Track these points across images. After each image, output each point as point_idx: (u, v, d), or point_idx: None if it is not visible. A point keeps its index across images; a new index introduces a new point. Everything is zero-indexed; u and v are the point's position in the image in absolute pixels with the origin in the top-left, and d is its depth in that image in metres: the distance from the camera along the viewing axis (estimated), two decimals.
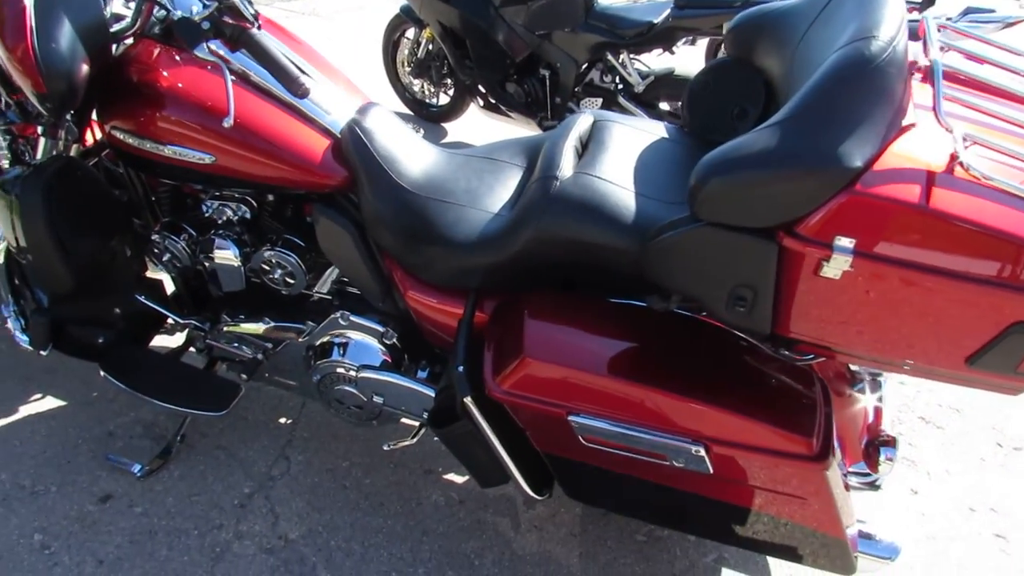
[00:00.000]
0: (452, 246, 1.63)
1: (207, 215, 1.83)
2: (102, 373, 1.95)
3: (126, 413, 2.17)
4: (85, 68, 1.51)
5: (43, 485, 1.94)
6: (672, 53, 3.87)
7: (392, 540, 1.92)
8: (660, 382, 1.42)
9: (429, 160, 1.78)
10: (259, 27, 1.59)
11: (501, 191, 1.74)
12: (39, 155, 1.85)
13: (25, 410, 2.14)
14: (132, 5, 1.67)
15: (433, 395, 1.80)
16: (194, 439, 2.12)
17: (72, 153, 1.88)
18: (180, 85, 1.63)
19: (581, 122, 1.72)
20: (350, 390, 1.88)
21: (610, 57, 3.82)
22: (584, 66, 3.90)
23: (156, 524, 1.88)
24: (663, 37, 3.65)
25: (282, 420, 2.23)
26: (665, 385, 1.42)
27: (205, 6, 1.56)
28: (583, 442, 1.50)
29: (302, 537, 1.89)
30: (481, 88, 4.10)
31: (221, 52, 1.57)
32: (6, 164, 1.82)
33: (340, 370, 1.87)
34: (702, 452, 1.43)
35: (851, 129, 1.18)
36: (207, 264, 1.87)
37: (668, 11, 3.64)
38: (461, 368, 1.55)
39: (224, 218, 1.82)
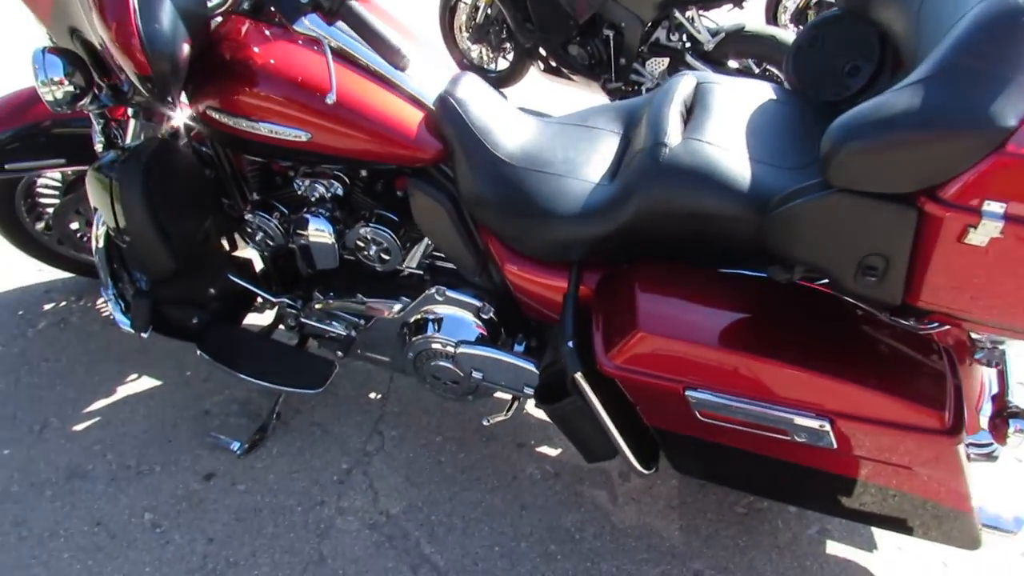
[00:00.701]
0: (554, 218, 1.58)
1: (299, 193, 1.82)
2: (199, 353, 1.96)
3: (220, 392, 2.19)
4: (186, 48, 1.49)
5: (147, 465, 1.97)
6: (741, 8, 3.74)
7: (492, 514, 1.91)
8: (784, 355, 1.37)
9: (523, 129, 1.74)
10: None
11: (599, 160, 1.69)
12: (129, 138, 1.86)
13: (123, 391, 2.17)
14: None
15: (532, 369, 1.77)
16: (288, 416, 2.13)
17: (161, 134, 1.88)
18: (275, 62, 1.60)
19: (683, 85, 1.65)
20: (447, 366, 1.87)
21: (678, 14, 3.70)
22: (649, 25, 3.78)
23: (260, 501, 1.90)
24: None
25: (372, 395, 2.23)
26: (789, 358, 1.37)
27: None
28: (699, 417, 1.46)
29: (403, 512, 1.90)
30: (542, 51, 4.02)
31: (317, 26, 1.53)
32: (99, 148, 1.82)
33: (437, 346, 1.85)
34: (827, 427, 1.38)
35: (1003, 85, 1.10)
36: (300, 242, 1.85)
37: None
38: (571, 344, 1.51)
39: (316, 195, 1.80)
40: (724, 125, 1.52)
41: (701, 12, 3.71)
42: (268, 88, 1.60)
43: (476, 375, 1.82)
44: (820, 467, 1.51)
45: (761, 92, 1.67)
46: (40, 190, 2.28)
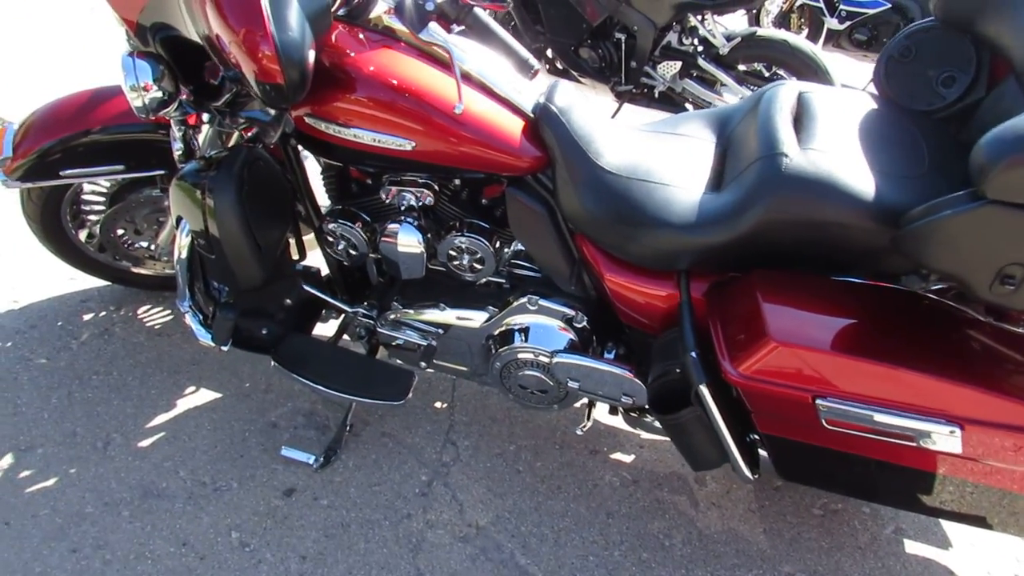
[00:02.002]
0: (665, 228, 1.58)
1: (386, 201, 1.78)
2: (273, 365, 1.90)
3: (284, 403, 2.14)
4: (312, 55, 1.44)
5: (224, 481, 1.90)
6: (755, 13, 3.80)
7: (580, 524, 1.90)
8: (914, 362, 1.39)
9: (619, 138, 1.73)
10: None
11: (698, 168, 1.69)
12: (206, 144, 1.79)
13: (183, 404, 2.10)
14: None
15: (631, 377, 1.77)
16: (358, 427, 2.09)
17: (231, 142, 1.83)
18: (385, 70, 1.56)
19: (785, 95, 1.66)
20: (538, 375, 1.85)
21: (692, 19, 3.73)
22: (662, 29, 3.81)
23: (346, 516, 1.85)
24: None
25: (438, 404, 2.19)
26: (920, 365, 1.38)
27: None
28: (826, 425, 1.47)
29: (492, 524, 1.87)
30: (549, 53, 4.01)
31: (439, 34, 1.50)
32: (178, 155, 1.75)
33: (527, 356, 1.83)
34: (957, 433, 1.40)
35: None
36: (385, 251, 1.81)
37: None
38: (694, 354, 1.51)
39: (405, 204, 1.76)
40: (835, 135, 1.54)
41: (716, 17, 3.75)
42: (377, 96, 1.56)
43: (572, 384, 1.80)
44: (939, 471, 1.54)
45: (860, 102, 1.69)
46: (86, 197, 2.18)
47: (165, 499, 1.84)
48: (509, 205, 1.71)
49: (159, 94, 1.56)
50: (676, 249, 1.60)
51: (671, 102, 4.01)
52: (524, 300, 1.81)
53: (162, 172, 2.06)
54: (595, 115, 1.72)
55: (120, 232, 2.21)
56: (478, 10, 1.46)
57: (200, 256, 1.81)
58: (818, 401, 1.44)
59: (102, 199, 2.19)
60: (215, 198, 1.62)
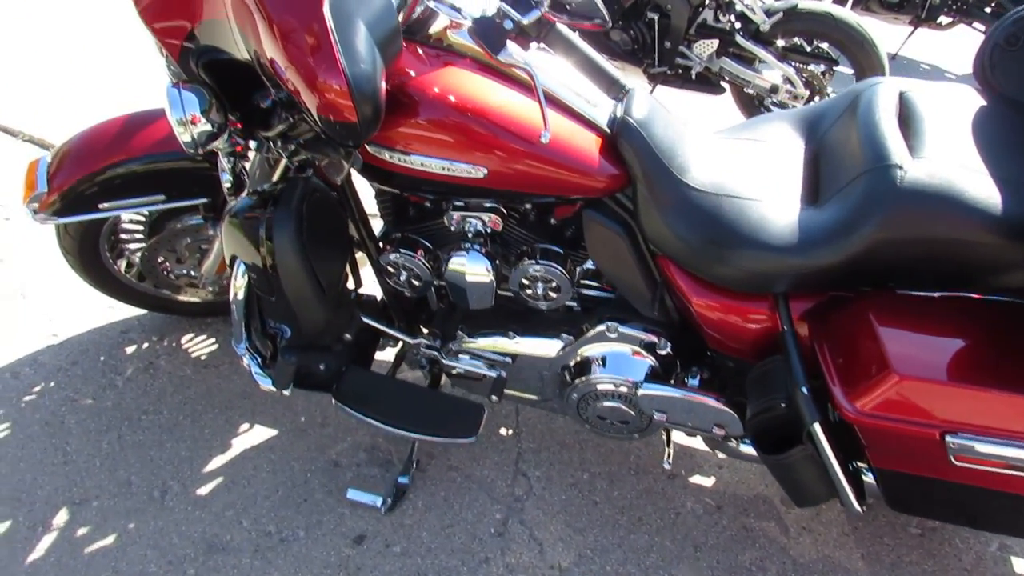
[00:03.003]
0: (762, 249, 1.44)
1: (452, 228, 1.65)
2: (335, 403, 1.79)
3: (343, 438, 2.03)
4: (384, 85, 1.30)
5: (290, 530, 1.80)
6: None
7: (668, 559, 1.79)
8: None
9: (701, 149, 1.59)
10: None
11: (790, 179, 1.56)
12: (254, 174, 1.67)
13: (239, 444, 1.99)
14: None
15: (722, 407, 1.65)
16: (424, 462, 1.98)
17: (280, 168, 1.70)
18: (455, 91, 1.42)
19: (884, 95, 1.52)
20: (619, 406, 1.74)
21: None
22: (697, 7, 3.64)
23: (422, 564, 1.75)
24: None
25: (503, 431, 2.08)
26: None
27: (501, 5, 1.32)
28: (954, 462, 1.35)
29: (575, 564, 1.77)
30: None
31: (517, 54, 1.35)
32: (227, 187, 1.63)
33: (608, 386, 1.71)
34: None
35: None
36: (452, 280, 1.68)
37: None
38: (805, 390, 1.39)
39: (473, 231, 1.64)
40: (947, 139, 1.40)
41: None
42: (448, 122, 1.42)
43: (659, 416, 1.69)
44: None
45: (966, 98, 1.55)
46: (125, 227, 2.06)
47: (231, 553, 1.74)
48: (587, 228, 1.58)
49: (208, 127, 1.42)
50: (774, 272, 1.47)
51: (707, 82, 3.85)
52: (602, 327, 1.69)
53: (204, 200, 1.94)
54: (676, 125, 1.59)
55: (161, 261, 2.10)
56: (560, 26, 1.32)
57: (257, 295, 1.69)
58: (948, 438, 1.32)
59: (140, 228, 2.07)
60: (275, 237, 1.49)
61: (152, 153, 1.85)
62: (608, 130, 1.53)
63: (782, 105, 3.79)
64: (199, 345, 2.29)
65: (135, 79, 3.82)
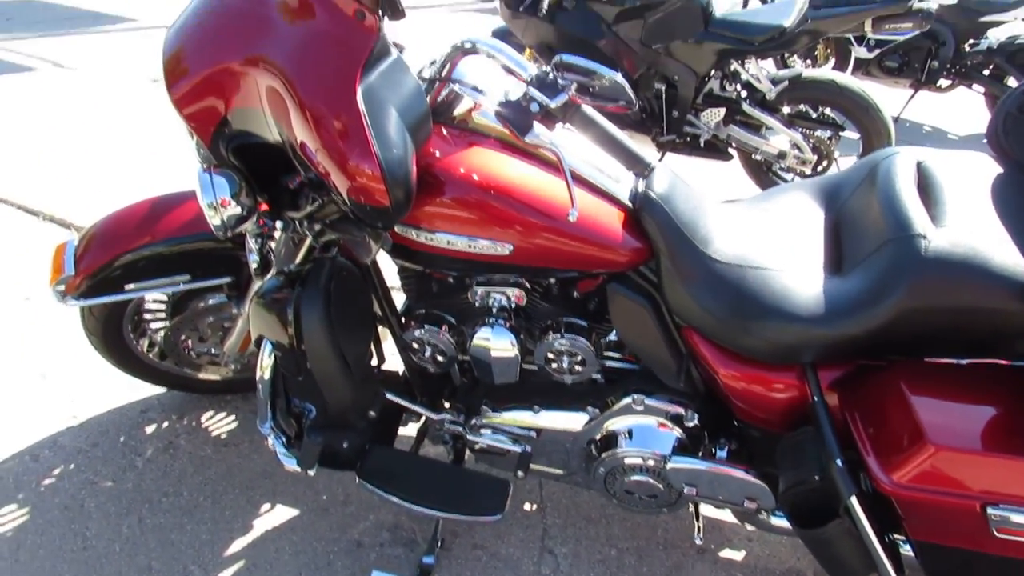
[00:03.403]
0: (788, 320, 1.44)
1: (476, 304, 1.66)
2: (359, 482, 1.77)
3: (365, 516, 2.00)
4: (414, 168, 1.33)
5: None
6: (805, 59, 3.71)
7: None
8: None
9: (721, 220, 1.61)
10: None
11: (812, 249, 1.57)
12: (280, 253, 1.69)
13: (260, 525, 1.96)
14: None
15: (752, 480, 1.62)
16: (448, 540, 1.94)
17: (304, 247, 1.72)
18: (481, 172, 1.44)
19: (902, 164, 1.54)
20: (647, 480, 1.71)
21: (736, 65, 3.64)
22: (703, 77, 3.72)
23: None
24: (796, 41, 3.46)
25: (527, 507, 2.05)
26: None
27: (528, 89, 1.36)
28: (996, 534, 1.32)
29: None
30: None
31: (544, 135, 1.38)
32: (254, 267, 1.65)
33: (636, 460, 1.69)
34: None
35: None
36: (477, 355, 1.68)
37: (799, 13, 3.46)
38: (840, 462, 1.37)
39: (498, 306, 1.64)
40: (967, 208, 1.41)
41: (759, 61, 3.65)
42: (475, 201, 1.44)
43: (688, 490, 1.66)
44: None
45: (982, 166, 1.57)
46: (148, 306, 2.08)
47: None
48: (612, 301, 1.59)
49: (238, 210, 1.45)
50: (801, 342, 1.46)
51: (716, 149, 3.90)
52: (628, 400, 1.68)
53: (228, 279, 1.96)
54: (696, 198, 1.61)
55: (184, 340, 2.11)
56: (586, 107, 1.35)
57: (283, 375, 1.69)
58: (989, 510, 1.29)
59: (163, 308, 2.09)
60: (304, 318, 1.51)
61: (177, 236, 1.88)
62: (630, 204, 1.55)
63: (790, 170, 3.84)
64: (219, 423, 2.28)
65: (151, 162, 3.91)
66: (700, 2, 3.52)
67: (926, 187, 1.49)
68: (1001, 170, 1.55)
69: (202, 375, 2.27)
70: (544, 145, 1.36)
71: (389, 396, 1.84)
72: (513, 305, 1.65)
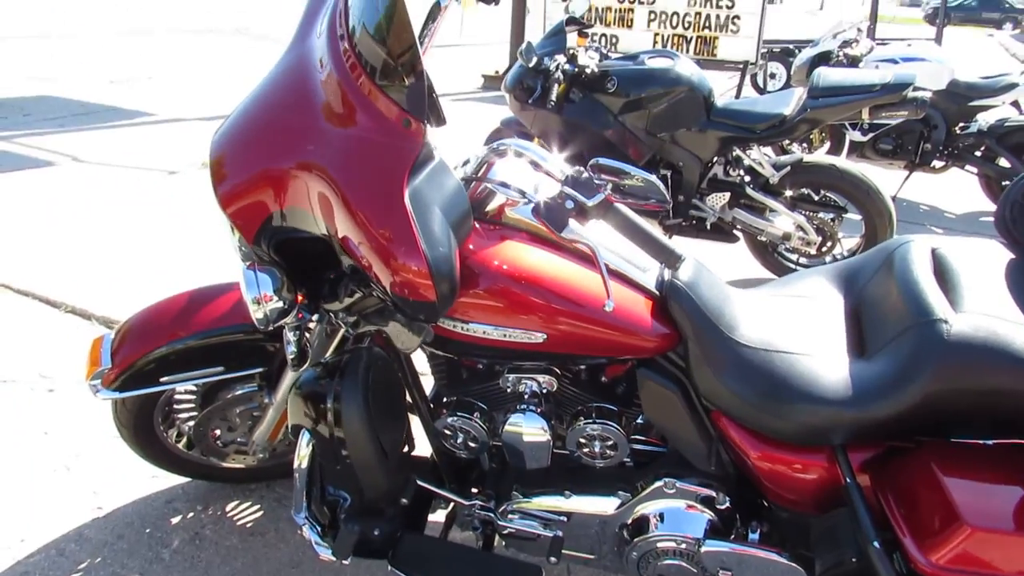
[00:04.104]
0: (818, 403, 1.49)
1: (508, 390, 1.70)
2: (390, 569, 1.77)
3: None
4: (458, 264, 1.40)
5: None
6: (801, 143, 3.85)
7: None
8: None
9: (745, 305, 1.67)
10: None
11: (834, 333, 1.63)
12: (302, 342, 1.73)
13: None
14: None
15: (787, 562, 1.63)
16: None
17: (337, 337, 1.77)
18: (517, 265, 1.51)
19: (918, 252, 1.61)
20: (682, 564, 1.71)
21: (738, 152, 3.78)
22: (707, 163, 3.85)
23: None
24: (796, 128, 3.60)
25: None
26: None
27: (564, 188, 1.43)
28: None
29: None
30: None
31: (580, 231, 1.45)
32: (291, 358, 1.69)
33: (668, 544, 1.70)
34: None
35: None
36: (509, 441, 1.72)
37: (798, 103, 3.61)
38: (877, 544, 1.39)
39: (529, 392, 1.69)
40: (984, 293, 1.47)
41: (761, 147, 3.79)
42: (511, 292, 1.50)
43: (723, 574, 1.67)
44: None
45: (993, 253, 1.64)
46: (179, 397, 2.12)
47: None
48: (642, 387, 1.63)
49: (280, 304, 1.51)
50: (832, 425, 1.50)
51: (721, 232, 4.01)
52: (660, 484, 1.70)
53: (260, 370, 2.00)
54: (721, 285, 1.67)
55: (214, 429, 2.13)
56: (619, 205, 1.43)
57: (320, 464, 1.72)
58: None
59: (193, 398, 2.12)
60: (344, 409, 1.55)
61: (211, 328, 1.93)
62: (657, 292, 1.62)
63: (796, 251, 3.93)
64: (244, 513, 2.28)
65: (170, 255, 4.00)
66: (702, 92, 3.69)
67: (942, 273, 1.55)
68: (1012, 256, 1.62)
69: (226, 464, 2.28)
70: (579, 240, 1.43)
71: (420, 483, 1.85)
72: (544, 391, 1.69)
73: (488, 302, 1.52)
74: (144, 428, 2.08)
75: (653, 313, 1.59)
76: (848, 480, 1.49)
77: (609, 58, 3.92)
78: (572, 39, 4.05)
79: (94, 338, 1.99)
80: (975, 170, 5.51)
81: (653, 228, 1.44)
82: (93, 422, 2.59)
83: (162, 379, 1.92)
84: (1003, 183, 5.44)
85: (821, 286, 1.78)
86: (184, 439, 2.18)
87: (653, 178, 1.39)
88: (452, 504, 1.96)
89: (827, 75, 3.57)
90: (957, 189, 5.84)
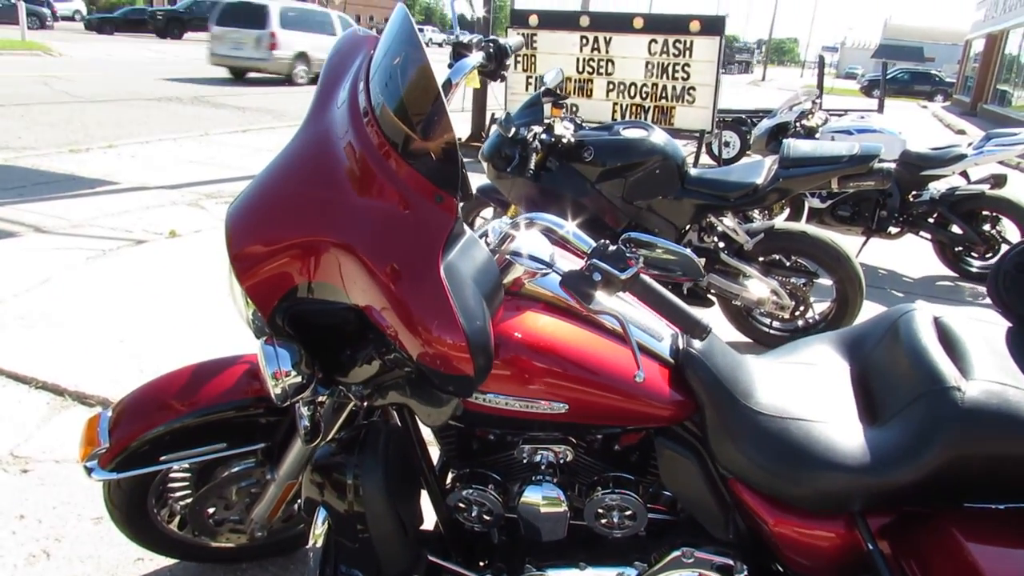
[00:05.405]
0: (836, 470, 1.51)
1: (524, 460, 1.69)
2: None
3: None
4: (492, 335, 1.40)
5: None
6: (780, 212, 3.98)
7: None
8: None
9: (756, 373, 1.70)
10: None
11: (843, 400, 1.67)
12: (316, 417, 1.70)
13: None
14: None
15: None
16: None
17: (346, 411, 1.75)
18: (539, 337, 1.53)
19: (922, 320, 1.67)
20: None
21: (713, 219, 3.88)
22: (682, 229, 3.94)
23: None
24: (767, 197, 3.72)
25: None
26: None
27: (592, 261, 1.45)
28: None
29: None
30: None
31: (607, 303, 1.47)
32: (303, 433, 1.66)
33: None
34: None
35: None
36: (524, 512, 1.70)
37: (769, 172, 3.74)
38: None
39: (545, 463, 1.68)
40: (989, 360, 1.53)
41: (737, 215, 3.89)
42: (536, 365, 1.51)
43: None
44: None
45: (992, 322, 1.71)
46: (174, 475, 2.05)
47: None
48: (660, 455, 1.64)
49: (298, 379, 1.48)
50: (850, 492, 1.53)
51: (697, 296, 4.08)
52: (678, 553, 1.70)
53: (262, 445, 1.96)
54: (731, 352, 1.71)
55: (211, 509, 2.06)
56: (644, 276, 1.45)
57: (336, 543, 1.67)
58: None
59: (188, 476, 2.06)
60: (363, 483, 1.52)
61: (210, 405, 1.89)
62: (671, 360, 1.64)
63: (770, 316, 4.02)
64: None
65: (139, 326, 3.92)
66: (676, 161, 3.80)
67: (948, 341, 1.61)
68: (1013, 326, 1.69)
69: (216, 543, 2.21)
70: (606, 312, 1.45)
71: (431, 559, 1.81)
72: (561, 461, 1.68)
73: (514, 373, 1.52)
74: (137, 508, 2.01)
75: (670, 382, 1.61)
76: (871, 547, 1.51)
77: (584, 128, 4.02)
78: (547, 110, 4.16)
79: (89, 417, 1.92)
80: (929, 236, 5.74)
81: (676, 299, 1.47)
82: (72, 503, 2.49)
83: (162, 458, 1.86)
84: (956, 248, 5.67)
85: (826, 353, 1.82)
86: (177, 519, 2.10)
87: (687, 252, 1.42)
88: None
89: (797, 146, 3.72)
90: (913, 254, 6.06)
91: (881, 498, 1.52)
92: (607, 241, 1.47)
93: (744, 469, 1.59)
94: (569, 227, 1.55)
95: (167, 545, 2.16)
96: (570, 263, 1.66)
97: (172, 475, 2.05)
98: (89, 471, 1.84)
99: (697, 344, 1.64)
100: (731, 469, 1.62)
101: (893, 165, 3.87)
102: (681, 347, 1.65)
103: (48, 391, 3.23)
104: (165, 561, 2.28)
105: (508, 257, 1.54)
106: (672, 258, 1.42)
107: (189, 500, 2.05)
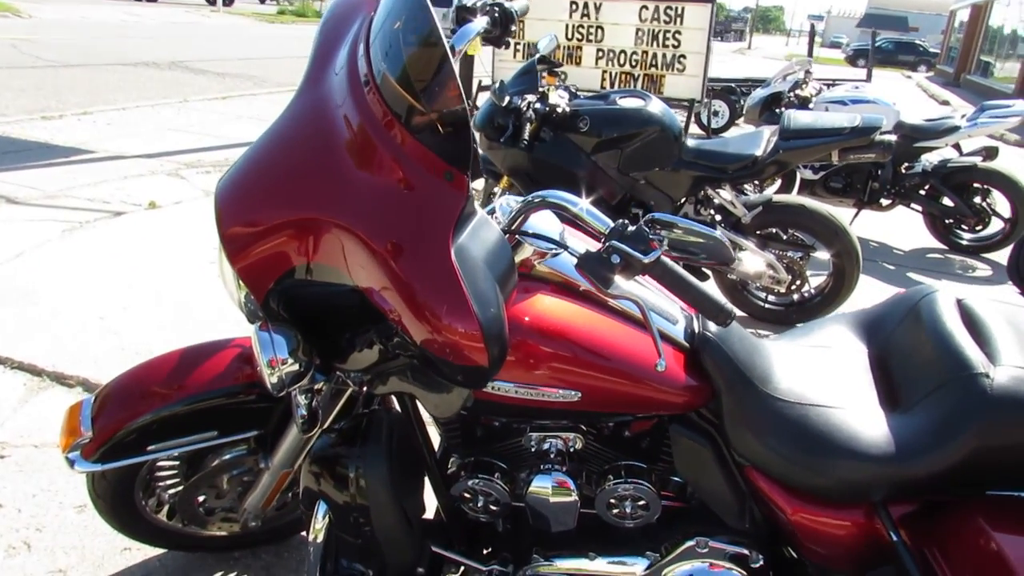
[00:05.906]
0: (858, 459, 1.45)
1: (532, 449, 1.62)
2: None
3: None
4: (505, 323, 1.31)
5: None
6: (771, 184, 3.90)
7: None
8: None
9: (772, 357, 1.63)
10: None
11: (862, 384, 1.62)
12: (313, 405, 1.62)
13: None
14: None
15: None
16: None
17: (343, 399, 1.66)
18: (552, 321, 1.44)
19: (945, 304, 1.60)
20: None
21: (709, 191, 3.80)
22: (678, 202, 3.87)
23: None
24: (766, 169, 3.65)
25: None
26: None
27: (612, 242, 1.35)
28: None
29: None
30: None
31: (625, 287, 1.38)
32: (300, 423, 1.57)
33: None
34: None
35: None
36: (532, 502, 1.63)
37: (768, 144, 3.66)
38: None
39: (554, 451, 1.61)
40: (1015, 345, 1.47)
41: (733, 187, 3.82)
42: (551, 351, 1.43)
43: None
44: None
45: (1013, 303, 1.65)
46: (162, 464, 1.96)
47: None
48: (675, 443, 1.58)
49: (296, 366, 1.39)
50: (872, 481, 1.47)
51: (693, 270, 4.01)
52: (692, 543, 1.64)
53: (254, 433, 1.87)
54: (748, 336, 1.64)
55: (201, 498, 1.98)
56: (665, 259, 1.36)
57: (337, 538, 1.60)
58: None
59: (176, 465, 1.97)
60: (369, 479, 1.44)
61: (200, 392, 1.80)
62: (687, 345, 1.56)
63: (766, 290, 3.96)
64: None
65: (114, 303, 3.80)
66: (673, 132, 3.70)
67: (973, 326, 1.54)
68: None
69: (206, 532, 2.13)
70: (625, 297, 1.36)
71: (435, 550, 1.74)
72: (570, 449, 1.61)
73: (523, 359, 1.44)
74: (123, 499, 1.92)
75: (685, 367, 1.54)
76: (895, 537, 1.45)
77: (579, 97, 3.91)
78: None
79: (71, 405, 1.82)
80: (920, 208, 5.70)
81: (703, 284, 1.39)
82: (53, 491, 2.39)
83: (149, 447, 1.77)
84: (947, 221, 5.64)
85: (842, 335, 1.76)
86: (165, 508, 2.02)
87: (716, 234, 1.34)
88: (463, 568, 1.85)
89: (797, 118, 3.64)
90: (904, 226, 6.03)
91: (904, 487, 1.47)
92: (626, 221, 1.38)
93: (762, 457, 1.53)
94: (584, 204, 1.45)
95: (155, 535, 2.08)
96: (580, 242, 1.58)
97: (160, 464, 1.96)
98: (72, 463, 1.74)
99: (712, 327, 1.56)
100: (748, 457, 1.56)
101: (894, 137, 3.79)
102: (697, 331, 1.57)
103: (24, 371, 3.11)
104: (154, 551, 2.19)
105: (518, 237, 1.45)
106: (699, 240, 1.34)
107: (178, 489, 1.97)
